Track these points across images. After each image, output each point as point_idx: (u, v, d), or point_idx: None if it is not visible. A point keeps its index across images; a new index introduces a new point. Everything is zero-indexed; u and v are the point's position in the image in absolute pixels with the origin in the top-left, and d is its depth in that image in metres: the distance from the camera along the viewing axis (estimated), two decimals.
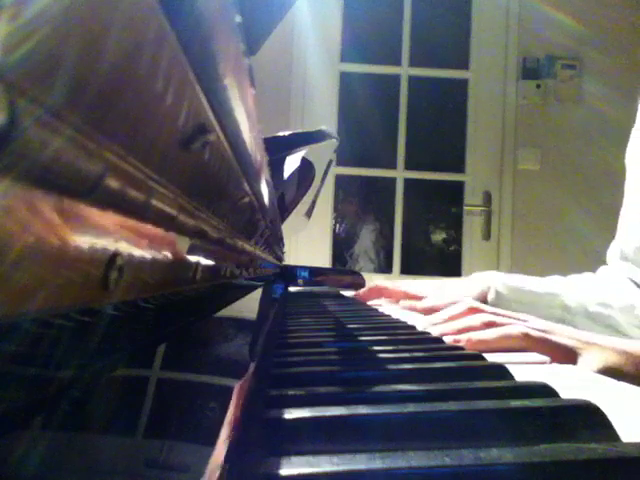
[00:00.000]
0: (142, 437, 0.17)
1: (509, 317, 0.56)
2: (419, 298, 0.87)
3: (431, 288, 0.99)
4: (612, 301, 0.85)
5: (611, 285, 0.88)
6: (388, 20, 2.72)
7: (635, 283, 0.86)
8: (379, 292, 1.05)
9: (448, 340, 0.51)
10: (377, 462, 0.20)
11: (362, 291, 1.09)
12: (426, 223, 2.78)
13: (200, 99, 0.19)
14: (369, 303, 1.00)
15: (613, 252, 0.93)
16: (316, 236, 2.60)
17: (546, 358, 0.46)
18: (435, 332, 0.55)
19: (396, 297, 1.00)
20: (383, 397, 0.29)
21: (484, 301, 0.90)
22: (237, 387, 0.25)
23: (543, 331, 0.51)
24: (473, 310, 0.59)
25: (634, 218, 0.87)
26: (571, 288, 0.90)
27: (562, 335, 0.51)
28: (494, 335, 0.50)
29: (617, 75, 2.57)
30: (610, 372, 0.46)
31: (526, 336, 0.49)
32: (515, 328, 0.50)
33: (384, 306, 0.95)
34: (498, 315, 0.56)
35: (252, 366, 0.31)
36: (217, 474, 0.16)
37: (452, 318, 0.60)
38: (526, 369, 0.39)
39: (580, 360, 0.49)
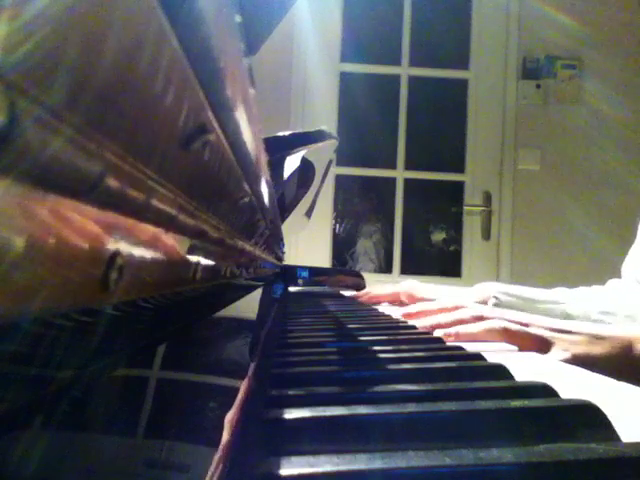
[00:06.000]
0: (142, 437, 0.17)
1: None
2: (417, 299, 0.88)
3: (434, 295, 0.99)
4: (616, 309, 0.85)
5: (618, 294, 0.89)
6: (388, 20, 2.72)
7: None
8: (376, 300, 1.05)
9: (439, 334, 0.56)
10: (377, 462, 0.20)
11: (359, 294, 1.10)
12: (426, 223, 2.78)
13: (200, 99, 0.19)
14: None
15: (629, 271, 0.93)
16: (316, 236, 2.60)
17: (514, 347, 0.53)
18: (426, 323, 0.60)
19: (393, 298, 1.00)
20: (383, 397, 0.29)
21: None
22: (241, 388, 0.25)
23: (523, 324, 0.57)
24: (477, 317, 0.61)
25: None
26: (575, 297, 0.90)
27: (539, 327, 0.57)
28: (478, 329, 0.56)
29: (617, 75, 2.57)
30: (581, 357, 0.52)
31: (505, 330, 0.55)
32: (496, 322, 0.56)
33: (384, 306, 0.95)
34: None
35: (252, 366, 0.31)
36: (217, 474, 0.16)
37: (442, 310, 0.65)
38: (526, 369, 0.39)
39: (553, 349, 0.54)
